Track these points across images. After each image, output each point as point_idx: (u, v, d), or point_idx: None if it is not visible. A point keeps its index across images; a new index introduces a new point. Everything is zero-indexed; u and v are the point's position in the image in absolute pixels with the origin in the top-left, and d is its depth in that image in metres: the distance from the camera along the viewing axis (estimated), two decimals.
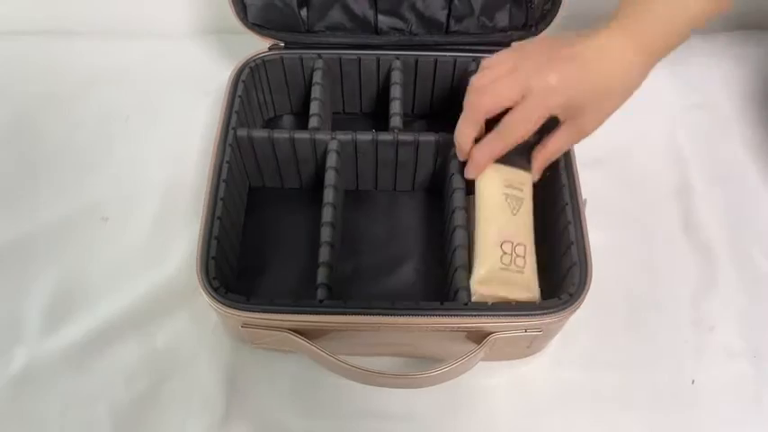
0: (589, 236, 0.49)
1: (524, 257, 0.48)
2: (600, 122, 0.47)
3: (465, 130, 0.48)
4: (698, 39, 0.70)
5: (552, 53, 0.46)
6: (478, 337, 0.47)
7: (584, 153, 0.54)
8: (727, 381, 0.52)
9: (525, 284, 0.48)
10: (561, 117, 0.47)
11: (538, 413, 0.52)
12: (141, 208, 0.60)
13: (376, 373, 0.47)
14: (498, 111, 0.47)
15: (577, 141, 0.48)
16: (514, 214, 0.50)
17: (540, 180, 0.51)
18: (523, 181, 0.51)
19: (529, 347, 0.51)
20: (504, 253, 0.48)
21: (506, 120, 0.46)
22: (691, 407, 0.52)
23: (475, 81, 0.47)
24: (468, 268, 0.49)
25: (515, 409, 0.52)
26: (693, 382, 0.52)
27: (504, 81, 0.46)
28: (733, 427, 0.51)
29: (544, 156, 0.49)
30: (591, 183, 0.54)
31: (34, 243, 0.58)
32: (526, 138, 0.47)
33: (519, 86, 0.45)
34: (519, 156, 0.51)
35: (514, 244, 0.48)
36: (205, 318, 0.55)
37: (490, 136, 0.48)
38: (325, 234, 0.50)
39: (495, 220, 0.49)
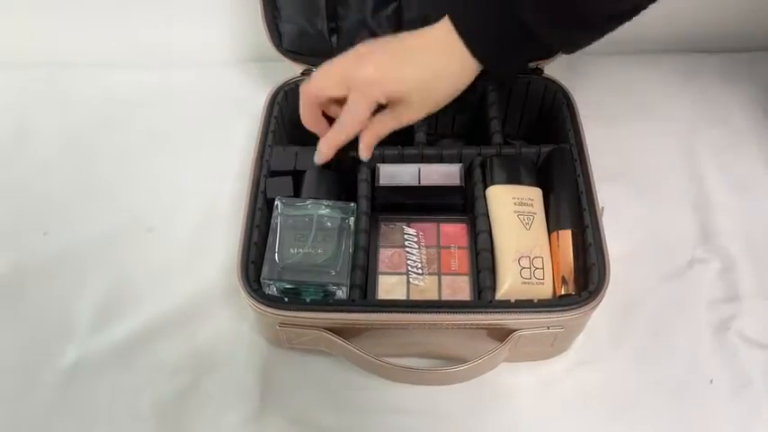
0: (610, 245, 0.50)
1: (543, 269, 0.50)
2: (422, 113, 0.48)
3: (304, 118, 0.51)
4: (714, 58, 0.73)
5: (377, 46, 0.47)
6: (503, 335, 0.49)
7: (604, 167, 0.55)
8: (745, 380, 0.53)
9: (547, 295, 0.50)
10: (386, 103, 0.48)
11: (561, 413, 0.53)
12: (183, 219, 0.63)
13: (406, 369, 0.49)
14: (324, 98, 0.49)
15: (400, 126, 0.49)
16: (528, 229, 0.51)
17: None
18: (532, 196, 0.53)
19: (552, 346, 0.52)
20: (523, 267, 0.50)
21: (341, 115, 0.49)
22: (710, 405, 0.52)
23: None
24: (492, 269, 0.51)
25: (539, 408, 0.53)
26: (712, 381, 0.53)
27: (321, 68, 0.49)
28: (751, 427, 0.51)
29: (368, 136, 0.50)
30: (611, 195, 0.55)
31: (86, 250, 0.61)
32: (361, 128, 0.49)
33: (336, 74, 0.48)
34: (524, 173, 0.54)
35: (532, 257, 0.50)
36: (241, 319, 0.57)
37: (331, 129, 0.50)
38: (361, 239, 0.52)
39: (510, 239, 0.51)
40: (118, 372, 0.55)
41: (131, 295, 0.58)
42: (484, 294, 0.50)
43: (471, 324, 0.48)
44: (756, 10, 0.72)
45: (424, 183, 0.56)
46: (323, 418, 0.53)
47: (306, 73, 0.63)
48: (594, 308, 0.48)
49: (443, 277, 0.52)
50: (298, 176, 0.56)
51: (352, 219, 0.53)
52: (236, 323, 0.57)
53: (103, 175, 0.67)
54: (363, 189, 0.55)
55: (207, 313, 0.57)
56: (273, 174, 0.56)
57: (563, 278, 0.50)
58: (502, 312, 0.48)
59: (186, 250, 0.61)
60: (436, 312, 0.48)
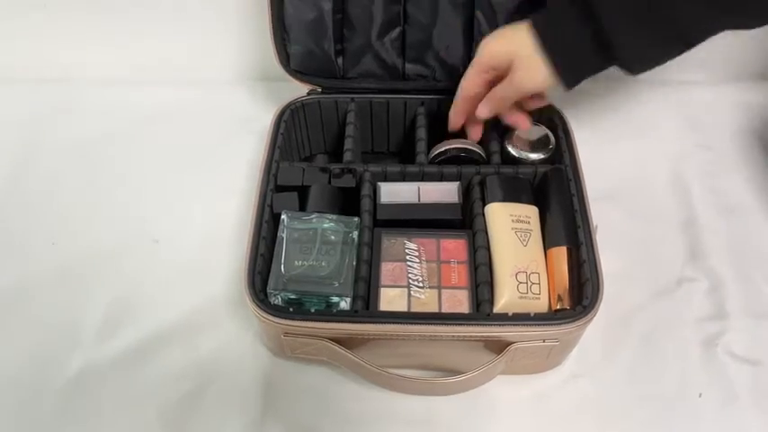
0: (603, 262, 0.51)
1: (539, 284, 0.51)
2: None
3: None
4: (703, 87, 0.75)
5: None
6: (500, 347, 0.50)
7: (596, 187, 0.57)
8: (732, 394, 0.54)
9: (543, 309, 0.51)
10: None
11: (555, 424, 0.53)
12: (190, 231, 0.64)
13: (408, 379, 0.50)
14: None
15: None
16: (525, 246, 0.53)
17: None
18: (529, 214, 0.55)
19: (547, 359, 0.53)
20: (520, 282, 0.51)
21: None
22: (699, 418, 0.53)
23: None
24: (490, 284, 0.52)
25: (533, 419, 0.54)
26: (701, 395, 0.54)
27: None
28: None
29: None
30: (603, 214, 0.57)
31: (94, 261, 0.62)
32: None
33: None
34: (521, 192, 0.56)
35: (528, 273, 0.52)
36: (245, 330, 0.58)
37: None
38: (364, 253, 0.53)
39: (507, 254, 0.52)
40: (122, 380, 0.55)
41: (137, 305, 0.59)
42: (482, 307, 0.51)
43: (470, 336, 0.49)
44: (744, 42, 0.74)
45: (424, 200, 0.57)
46: (322, 426, 0.53)
47: (312, 93, 0.64)
48: (588, 322, 0.49)
49: (443, 290, 0.53)
50: (303, 192, 0.57)
51: (355, 233, 0.54)
52: (240, 334, 0.58)
53: (111, 188, 0.68)
54: (366, 204, 0.56)
55: (211, 323, 0.58)
56: (280, 189, 0.57)
57: (558, 294, 0.51)
58: (499, 325, 0.49)
59: (192, 262, 0.62)
60: (436, 324, 0.49)
